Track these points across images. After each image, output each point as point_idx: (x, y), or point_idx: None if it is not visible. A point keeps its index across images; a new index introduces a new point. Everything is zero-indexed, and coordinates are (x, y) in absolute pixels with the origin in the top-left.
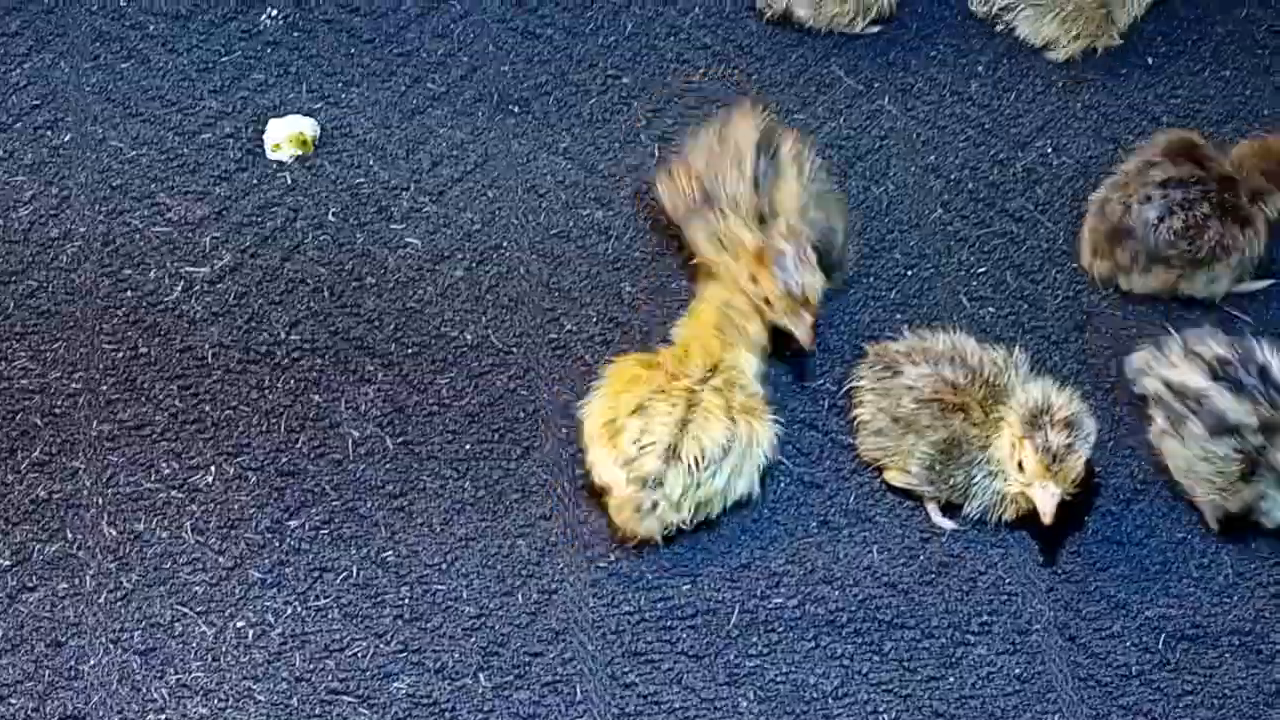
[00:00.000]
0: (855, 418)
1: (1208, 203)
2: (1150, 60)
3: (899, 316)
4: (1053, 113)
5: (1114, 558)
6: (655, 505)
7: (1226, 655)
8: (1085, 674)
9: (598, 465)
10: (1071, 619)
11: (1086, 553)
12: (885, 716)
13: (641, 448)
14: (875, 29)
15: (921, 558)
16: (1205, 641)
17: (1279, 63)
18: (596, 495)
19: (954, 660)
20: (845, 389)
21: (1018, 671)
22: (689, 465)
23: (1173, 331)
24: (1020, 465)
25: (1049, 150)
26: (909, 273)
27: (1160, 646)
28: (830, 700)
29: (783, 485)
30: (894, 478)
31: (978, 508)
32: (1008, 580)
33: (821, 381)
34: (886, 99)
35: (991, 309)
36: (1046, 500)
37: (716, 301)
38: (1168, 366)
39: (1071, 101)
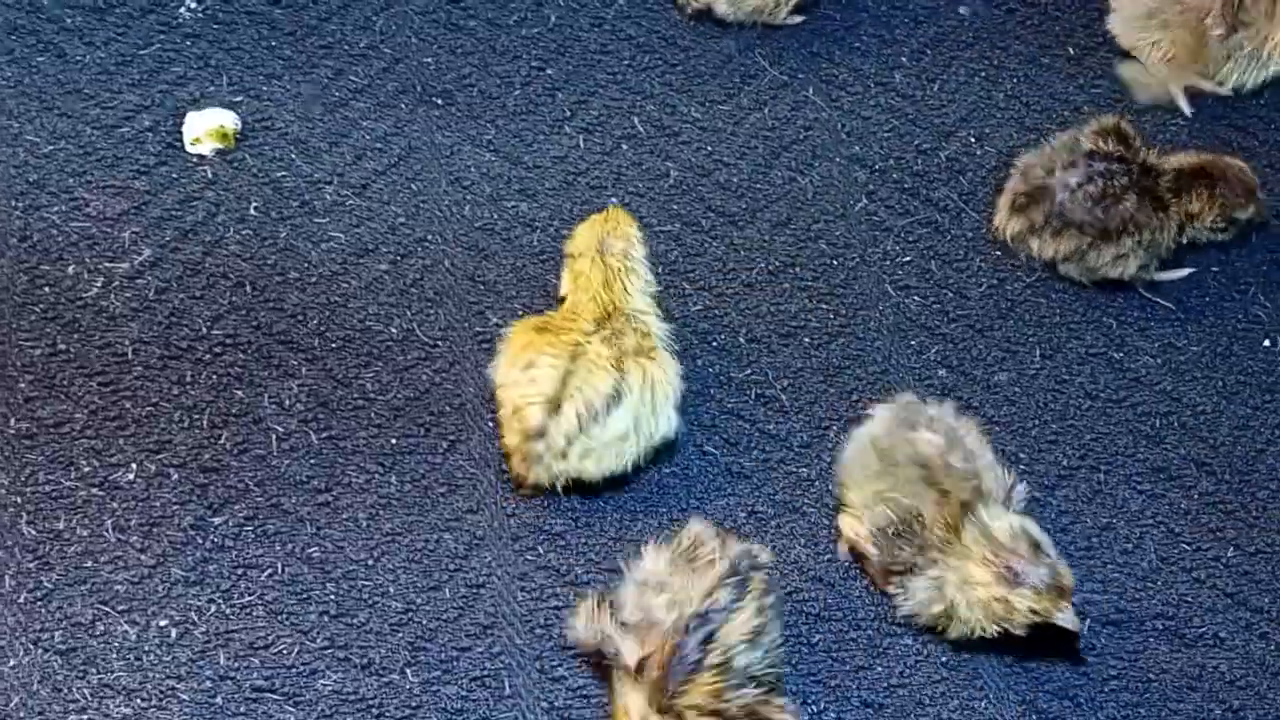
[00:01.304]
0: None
1: (1128, 178)
2: (1071, 50)
3: (824, 306)
4: (976, 103)
5: None
6: (540, 456)
7: (1151, 639)
8: (1011, 661)
9: (503, 421)
10: None
11: None
12: (814, 708)
13: (529, 401)
14: (797, 19)
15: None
16: (1130, 626)
17: None
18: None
19: (881, 650)
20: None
21: (944, 659)
22: (573, 416)
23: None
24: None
25: (972, 140)
26: (834, 262)
27: (1086, 632)
28: None
29: (710, 477)
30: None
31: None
32: None
33: (748, 372)
34: (811, 90)
35: (917, 298)
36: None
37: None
38: None
39: (994, 92)
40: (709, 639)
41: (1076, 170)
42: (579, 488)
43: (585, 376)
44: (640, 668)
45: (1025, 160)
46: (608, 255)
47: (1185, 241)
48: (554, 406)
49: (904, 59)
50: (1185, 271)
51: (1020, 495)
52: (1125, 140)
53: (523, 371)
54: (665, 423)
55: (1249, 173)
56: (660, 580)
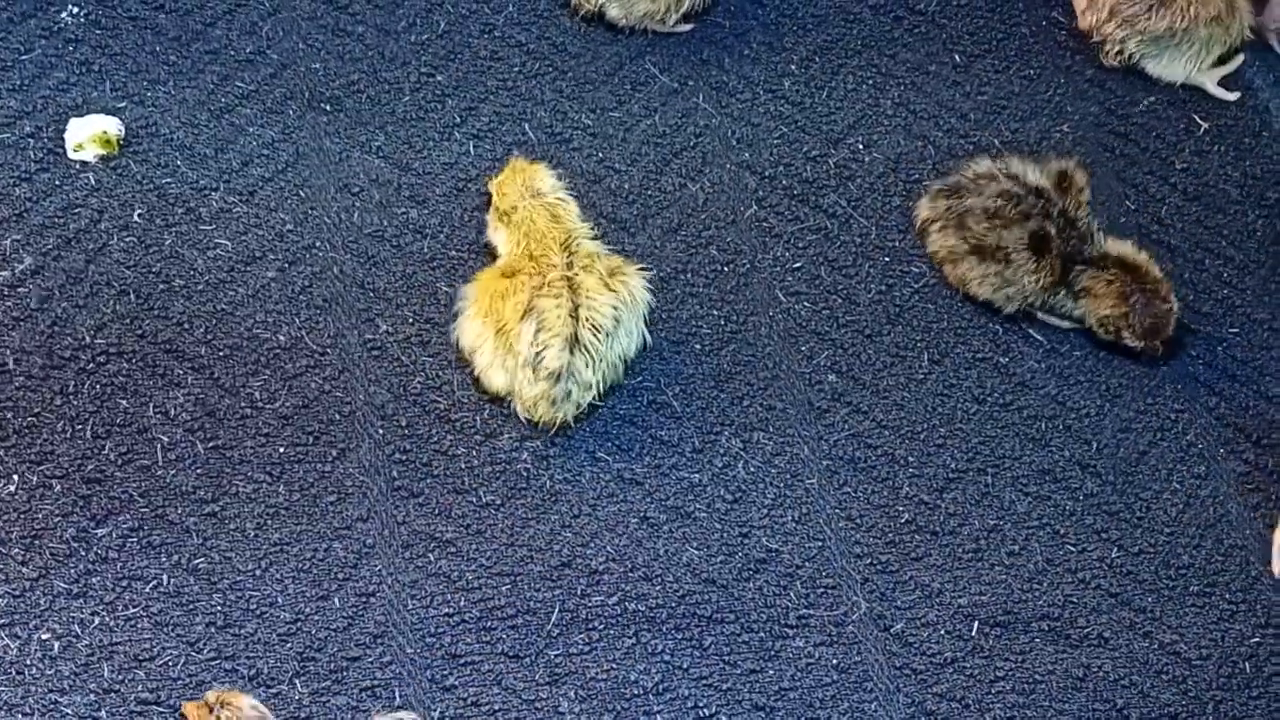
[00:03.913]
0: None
1: (1030, 213)
2: (957, 58)
3: (715, 312)
4: (864, 110)
5: (927, 547)
6: (569, 393)
7: (1036, 640)
8: (901, 663)
9: (490, 373)
10: (887, 609)
11: (900, 543)
12: (706, 711)
13: (543, 345)
14: (687, 26)
15: (740, 553)
16: (1016, 628)
17: (1080, 63)
18: (492, 398)
19: (773, 653)
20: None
21: (835, 662)
22: (590, 345)
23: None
24: None
25: (861, 147)
26: (725, 268)
27: (973, 634)
28: (651, 697)
29: (602, 483)
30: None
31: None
32: (824, 573)
33: (640, 378)
34: (701, 97)
35: (807, 303)
36: None
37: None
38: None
39: (882, 99)
40: None
41: (998, 183)
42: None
43: (590, 305)
44: None
45: (977, 163)
46: (542, 196)
47: (1063, 311)
48: (573, 342)
49: (793, 66)
50: (1067, 324)
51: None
52: (1062, 184)
53: (522, 321)
54: (639, 337)
55: (1170, 320)
56: None
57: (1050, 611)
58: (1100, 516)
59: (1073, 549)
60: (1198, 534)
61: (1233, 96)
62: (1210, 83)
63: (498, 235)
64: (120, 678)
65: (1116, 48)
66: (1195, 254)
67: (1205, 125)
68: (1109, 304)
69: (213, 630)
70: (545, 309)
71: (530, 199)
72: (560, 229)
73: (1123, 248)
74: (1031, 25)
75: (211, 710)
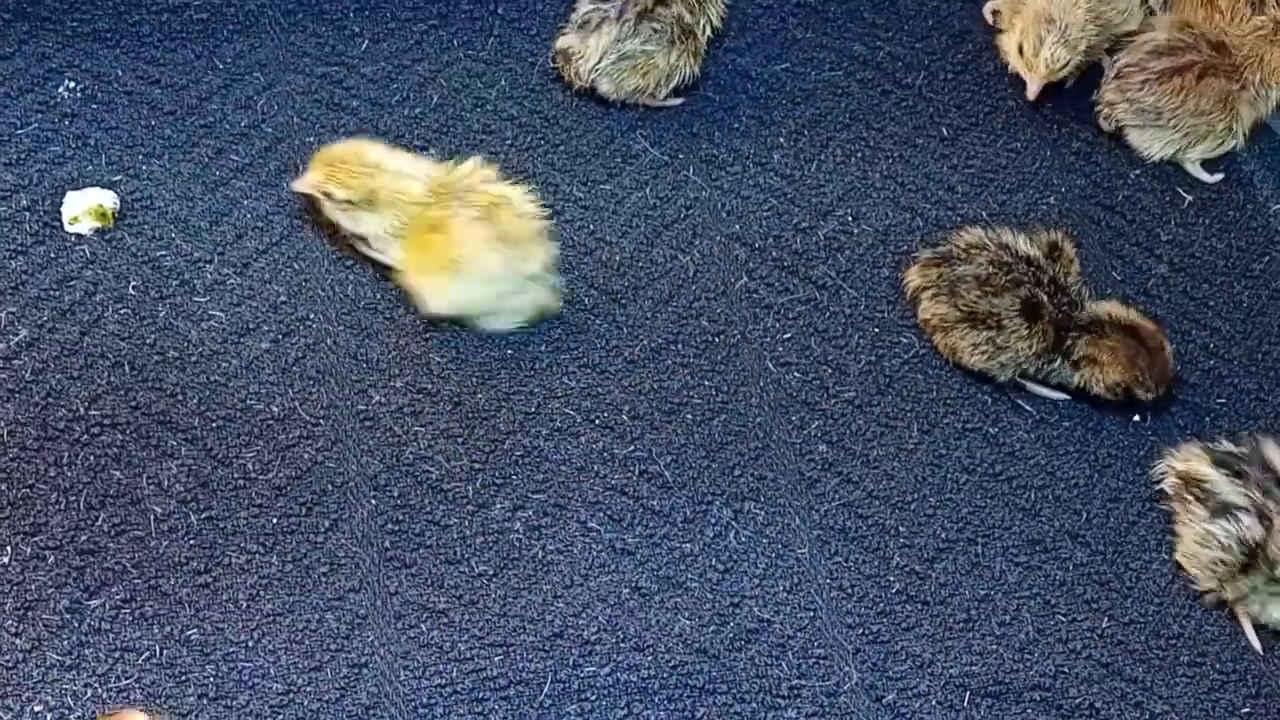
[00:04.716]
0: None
1: (1022, 281)
2: (944, 131)
3: (706, 383)
4: (852, 182)
5: (918, 617)
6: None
7: (1029, 710)
8: None
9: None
10: (879, 679)
11: (892, 613)
12: None
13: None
14: (677, 101)
15: (732, 623)
16: (1008, 698)
17: (1066, 135)
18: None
19: None
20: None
21: None
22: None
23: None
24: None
25: (850, 219)
26: (716, 339)
27: (965, 704)
28: None
29: (594, 553)
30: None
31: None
32: (816, 643)
33: (631, 448)
34: (691, 170)
35: (797, 374)
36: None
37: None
38: (1180, 460)
39: (870, 172)
40: None
41: (989, 252)
42: None
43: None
44: None
45: (967, 233)
46: (384, 168)
47: (1060, 380)
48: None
49: (782, 139)
50: (1057, 395)
51: None
52: (1053, 253)
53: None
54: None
55: (1171, 362)
56: None
57: (1042, 682)
58: (1091, 586)
59: (1064, 619)
60: (1187, 604)
61: (1215, 179)
62: (1192, 165)
63: (363, 222)
64: None
65: (1108, 110)
66: (1182, 325)
67: (1190, 198)
68: (1118, 372)
69: (205, 702)
70: (488, 253)
71: (380, 174)
72: (431, 179)
73: (1112, 308)
74: (1017, 99)
75: None
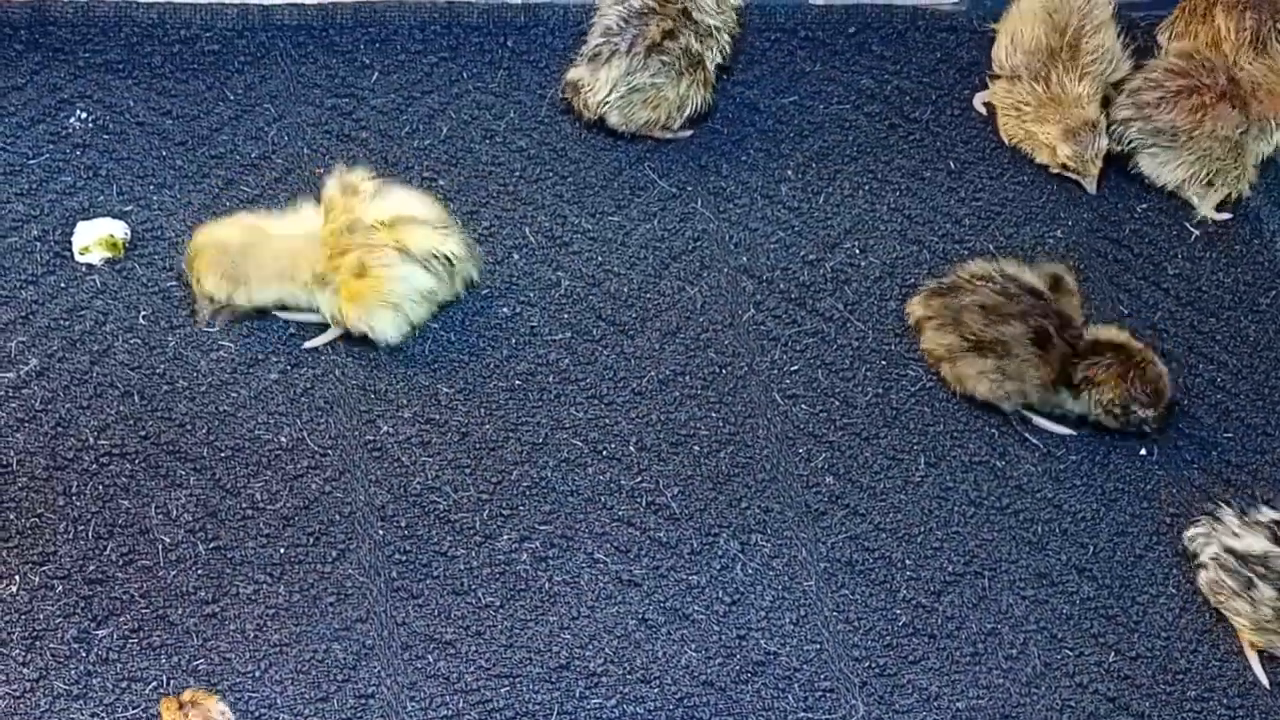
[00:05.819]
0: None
1: (1027, 310)
2: (951, 164)
3: (713, 414)
4: (859, 215)
5: (925, 650)
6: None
7: None
8: None
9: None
10: (885, 712)
11: (898, 646)
12: None
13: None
14: (686, 133)
15: (738, 655)
16: None
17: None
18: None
19: None
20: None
21: None
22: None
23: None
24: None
25: (857, 251)
26: (723, 371)
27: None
28: None
29: (601, 584)
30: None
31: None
32: (822, 676)
33: (639, 480)
34: (699, 202)
35: (804, 406)
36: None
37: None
38: (1229, 535)
39: (878, 205)
40: None
41: (994, 283)
42: None
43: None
44: None
45: (972, 264)
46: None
47: (1073, 410)
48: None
49: (790, 172)
50: (1063, 430)
51: None
52: (1056, 286)
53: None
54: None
55: (1166, 381)
56: None
57: (1049, 716)
58: (1098, 620)
59: (1070, 653)
60: (1194, 638)
61: (1225, 216)
62: (1205, 206)
63: (260, 295)
64: None
65: (1121, 130)
66: (1189, 359)
67: (1197, 232)
68: (1110, 388)
69: None
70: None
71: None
72: (318, 233)
73: (1107, 332)
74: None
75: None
